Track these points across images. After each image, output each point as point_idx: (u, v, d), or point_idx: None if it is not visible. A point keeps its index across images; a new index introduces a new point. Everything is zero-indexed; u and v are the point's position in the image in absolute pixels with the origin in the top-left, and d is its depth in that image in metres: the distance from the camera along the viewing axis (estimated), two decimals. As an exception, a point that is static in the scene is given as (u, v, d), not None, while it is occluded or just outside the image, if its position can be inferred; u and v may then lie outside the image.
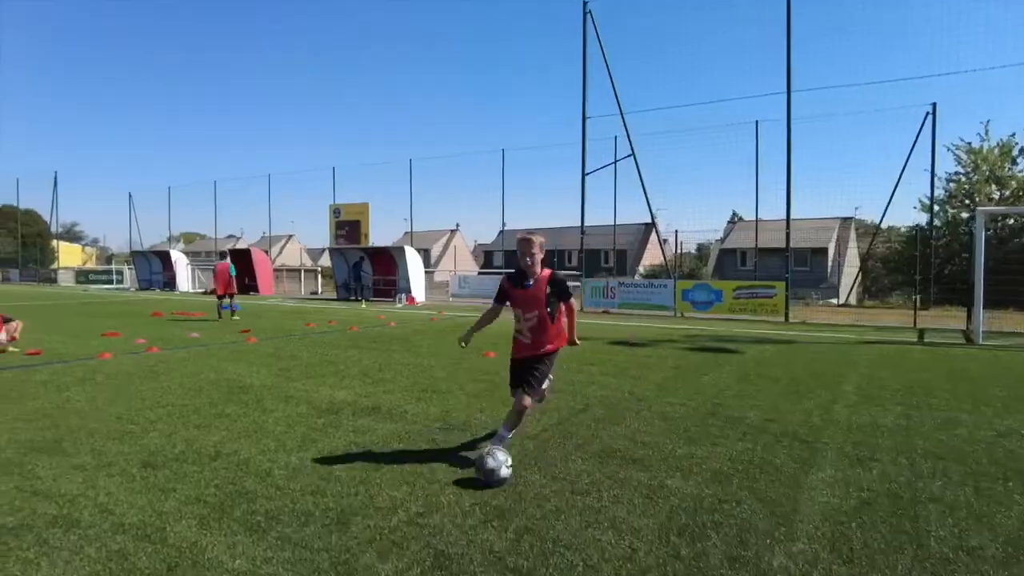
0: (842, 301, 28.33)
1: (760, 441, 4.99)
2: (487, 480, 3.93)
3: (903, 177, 21.63)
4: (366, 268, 26.19)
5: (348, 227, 30.18)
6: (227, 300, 15.83)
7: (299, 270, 36.90)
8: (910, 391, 7.03)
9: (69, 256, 57.87)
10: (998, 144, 29.06)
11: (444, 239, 59.96)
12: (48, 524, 3.36)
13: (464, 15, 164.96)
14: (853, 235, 41.54)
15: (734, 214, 47.27)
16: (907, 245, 28.26)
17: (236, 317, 15.67)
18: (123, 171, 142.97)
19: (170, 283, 33.21)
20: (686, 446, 4.83)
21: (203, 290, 32.03)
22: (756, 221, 24.81)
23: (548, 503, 3.68)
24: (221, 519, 3.41)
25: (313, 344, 11.02)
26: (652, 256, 43.51)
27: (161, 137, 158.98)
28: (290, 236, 63.28)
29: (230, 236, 61.89)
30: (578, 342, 4.79)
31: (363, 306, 21.93)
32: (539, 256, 4.41)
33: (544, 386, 4.67)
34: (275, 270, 34.34)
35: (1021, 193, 28.20)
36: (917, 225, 23.93)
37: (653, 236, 44.61)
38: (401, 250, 25.52)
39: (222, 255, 17.92)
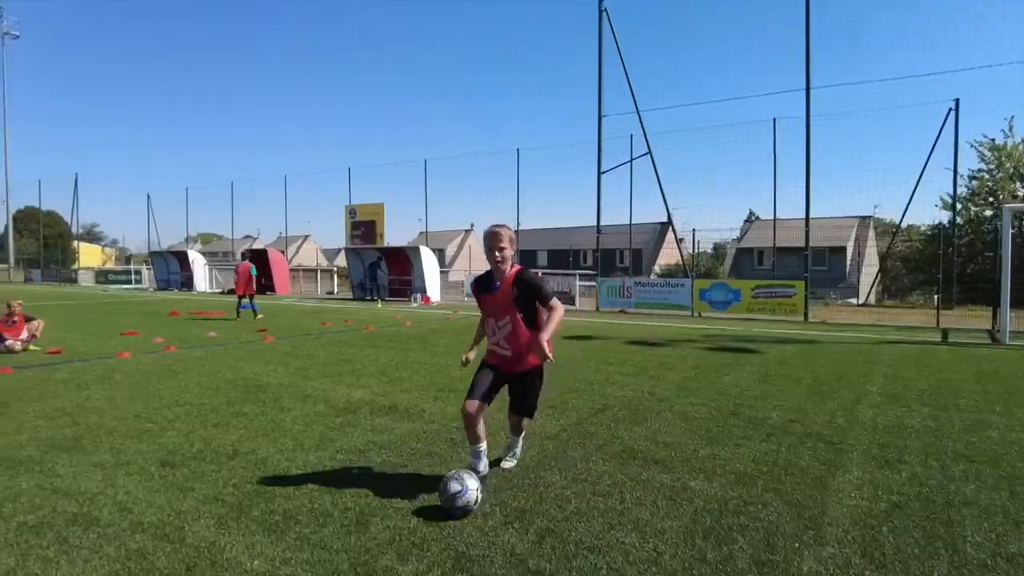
0: (862, 301, 27.95)
1: (784, 442, 4.89)
2: (447, 506, 3.42)
3: (924, 175, 21.28)
4: (383, 268, 26.25)
5: (364, 227, 30.27)
6: (246, 300, 15.94)
7: (315, 270, 37.10)
8: (937, 392, 6.88)
9: (89, 257, 58.62)
10: (1023, 140, 28.53)
11: (459, 239, 60.01)
12: (68, 522, 3.35)
13: (477, 15, 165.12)
14: (872, 234, 40.99)
15: (751, 213, 46.85)
16: (928, 243, 27.83)
17: (260, 315, 15.75)
18: (142, 172, 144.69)
19: (188, 283, 33.51)
20: (708, 447, 4.75)
21: (220, 290, 32.28)
22: (774, 220, 24.50)
23: (570, 504, 3.61)
24: (239, 519, 3.39)
25: (330, 343, 11.03)
26: (668, 256, 43.22)
27: (179, 138, 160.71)
28: (306, 236, 63.66)
29: (247, 236, 62.38)
30: (550, 356, 3.56)
31: (379, 306, 21.97)
32: (509, 252, 3.85)
33: (539, 406, 4.23)
34: (291, 270, 34.53)
35: (1046, 190, 27.68)
36: (939, 223, 23.54)
37: (669, 235, 44.31)
38: (416, 250, 25.55)
39: (243, 255, 18.03)
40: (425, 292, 24.22)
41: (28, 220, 59.47)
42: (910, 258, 31.49)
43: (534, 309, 3.88)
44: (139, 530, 3.25)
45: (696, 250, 21.36)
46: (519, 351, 3.86)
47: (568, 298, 20.64)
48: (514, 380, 3.98)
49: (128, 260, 58.84)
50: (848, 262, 39.72)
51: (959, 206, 25.21)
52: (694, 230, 20.23)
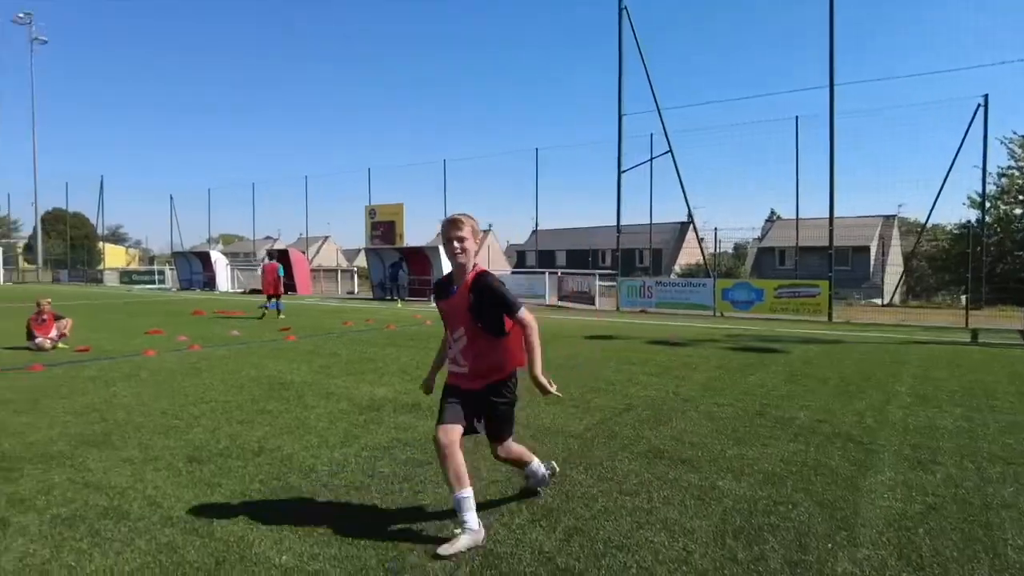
0: (886, 301, 27.52)
1: (812, 442, 4.81)
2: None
3: (951, 173, 20.89)
4: (404, 269, 26.36)
5: (383, 228, 30.42)
6: (271, 299, 16.12)
7: (335, 270, 37.36)
8: (969, 392, 6.73)
9: (114, 257, 59.52)
10: (1054, 137, 27.88)
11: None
12: (99, 516, 3.38)
13: (495, 15, 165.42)
14: (896, 233, 40.37)
15: (772, 212, 46.38)
16: (956, 243, 27.31)
17: (282, 316, 15.90)
18: (164, 174, 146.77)
19: (210, 283, 33.92)
20: (736, 447, 4.68)
21: (242, 290, 32.63)
22: (796, 219, 24.24)
23: (596, 503, 3.58)
24: (267, 514, 3.40)
25: (352, 342, 11.08)
26: (688, 255, 42.96)
27: (201, 140, 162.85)
28: (326, 237, 64.18)
29: (267, 237, 63.02)
30: (552, 389, 3.19)
31: (399, 305, 22.06)
32: (470, 245, 3.17)
33: (511, 429, 3.48)
34: (312, 271, 34.82)
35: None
36: (968, 222, 23.08)
37: (689, 235, 44.02)
38: (436, 250, 25.60)
39: (268, 256, 18.26)
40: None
41: (55, 221, 60.53)
42: (936, 257, 30.93)
43: (496, 321, 3.19)
44: (168, 524, 3.27)
45: (718, 250, 21.16)
46: (476, 370, 3.22)
47: (588, 298, 20.56)
48: (478, 400, 3.27)
49: (151, 261, 59.70)
50: (872, 262, 39.14)
51: (988, 204, 24.69)
52: (716, 229, 20.08)
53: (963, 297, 17.09)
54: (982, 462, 4.35)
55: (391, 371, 7.85)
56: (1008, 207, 28.51)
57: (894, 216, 40.19)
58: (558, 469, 3.84)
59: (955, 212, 51.13)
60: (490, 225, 58.77)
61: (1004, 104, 48.37)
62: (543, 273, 23.43)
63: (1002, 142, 28.39)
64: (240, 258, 51.43)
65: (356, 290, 32.85)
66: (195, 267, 35.49)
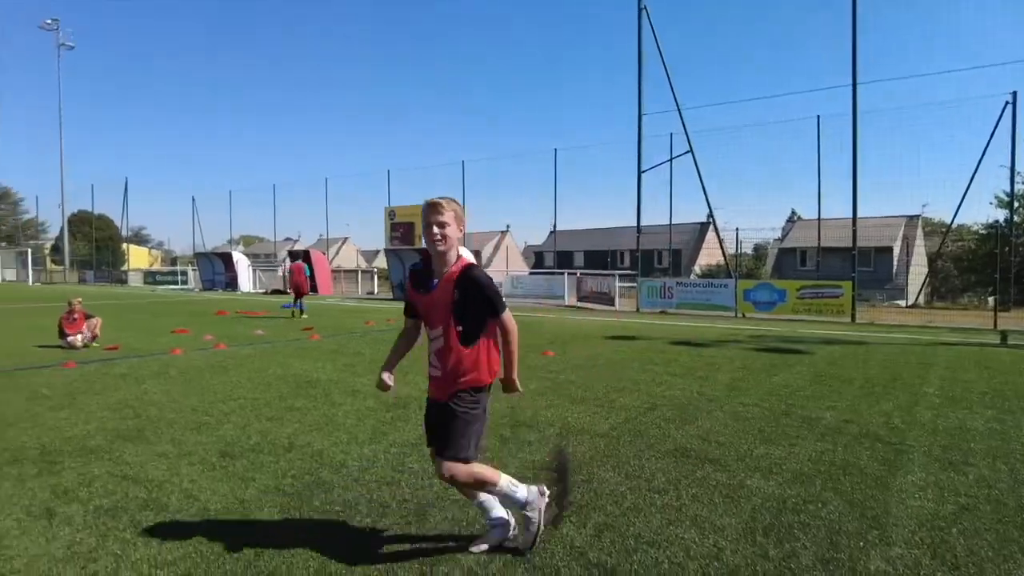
0: (911, 302, 27.14)
1: (839, 442, 4.79)
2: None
3: (977, 172, 20.55)
4: (422, 269, 26.49)
5: (403, 229, 30.60)
6: (297, 299, 16.39)
7: (356, 271, 37.64)
8: (1000, 394, 6.64)
9: (137, 258, 60.54)
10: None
11: (495, 240, 60.20)
12: (140, 507, 3.47)
13: (512, 14, 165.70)
14: (920, 233, 39.77)
15: (793, 212, 45.95)
16: (982, 243, 26.86)
17: (305, 315, 16.11)
18: (185, 176, 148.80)
19: (232, 283, 34.34)
20: (763, 446, 4.67)
21: (264, 290, 33.00)
22: (818, 219, 23.99)
23: (626, 500, 3.60)
24: (301, 508, 3.47)
25: (374, 341, 11.18)
26: (707, 256, 42.70)
27: (221, 142, 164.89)
28: (345, 239, 64.64)
29: (287, 239, 63.59)
30: (520, 389, 3.02)
31: (418, 306, 22.23)
32: (453, 232, 2.83)
33: (473, 444, 2.90)
34: (332, 271, 35.12)
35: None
36: (995, 222, 22.70)
37: (709, 235, 43.77)
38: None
39: (292, 256, 18.57)
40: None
41: (81, 223, 61.64)
42: (962, 258, 30.44)
43: (478, 322, 2.86)
44: (206, 516, 3.35)
45: (739, 250, 21.02)
46: (452, 375, 2.86)
47: (608, 299, 20.52)
48: (438, 407, 2.93)
49: (173, 261, 60.54)
50: (895, 263, 38.61)
51: (1016, 204, 24.25)
52: (737, 230, 19.86)
53: (991, 298, 16.79)
54: (1015, 464, 4.31)
55: (415, 369, 7.86)
56: (1037, 207, 27.95)
57: (918, 216, 39.58)
58: (536, 530, 3.03)
59: (981, 212, 50.21)
60: (507, 226, 58.91)
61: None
62: (562, 274, 23.43)
63: (1031, 140, 27.82)
64: (261, 259, 51.92)
65: (376, 290, 33.08)
66: (217, 268, 35.94)
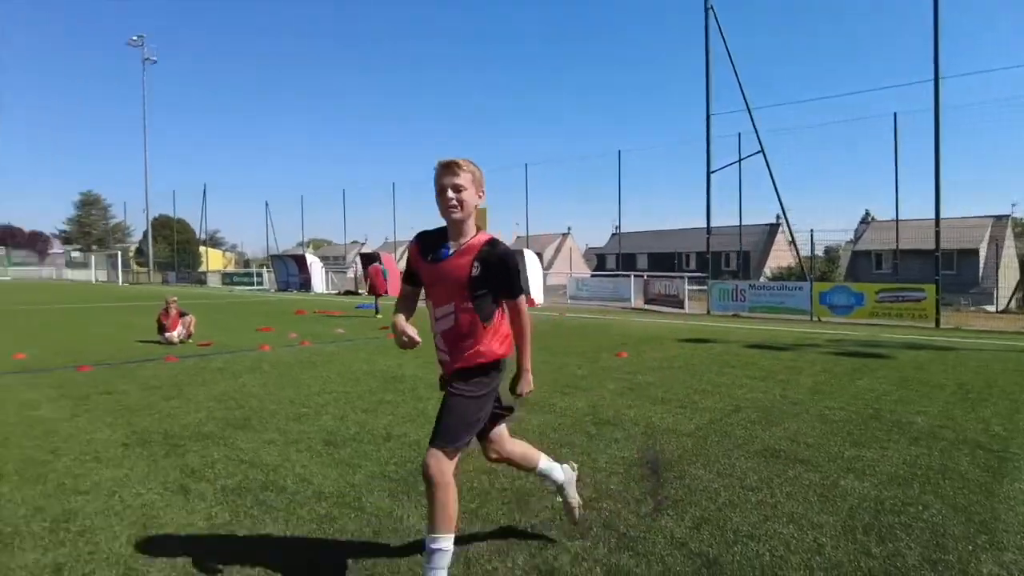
0: (1001, 307, 25.69)
1: (935, 447, 4.68)
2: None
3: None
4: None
5: (467, 231, 31.07)
6: (372, 299, 17.10)
7: (420, 273, 38.29)
8: (1107, 402, 6.30)
9: (213, 260, 63.46)
10: None
11: (556, 243, 60.26)
12: (261, 488, 3.76)
13: (577, 14, 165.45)
14: (1010, 234, 37.55)
15: (867, 214, 44.13)
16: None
17: (379, 315, 16.66)
18: (257, 180, 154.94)
19: (305, 284, 35.63)
20: (853, 448, 4.62)
21: (336, 291, 34.09)
22: (896, 221, 23.04)
23: (719, 496, 3.65)
24: (408, 492, 3.68)
25: (447, 341, 11.48)
26: (777, 258, 41.55)
27: (293, 148, 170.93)
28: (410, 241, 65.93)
29: (354, 242, 65.39)
30: (531, 385, 2.79)
31: (484, 307, 22.57)
32: (470, 197, 2.53)
33: (467, 434, 2.58)
34: (400, 273, 35.93)
35: None
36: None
37: (778, 238, 42.56)
38: (520, 252, 25.97)
39: (369, 259, 19.31)
40: (529, 294, 24.57)
41: (161, 227, 65.08)
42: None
43: (493, 303, 2.61)
44: (321, 498, 3.60)
45: (813, 252, 20.41)
46: (460, 356, 2.60)
47: (676, 301, 20.30)
48: (446, 388, 2.66)
49: (246, 263, 63.24)
50: (981, 266, 36.59)
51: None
52: (812, 231, 19.31)
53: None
54: None
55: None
56: None
57: (1007, 216, 37.46)
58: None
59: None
60: (569, 228, 58.87)
61: None
62: (628, 276, 23.29)
63: None
64: (330, 261, 53.58)
65: (441, 292, 33.64)
66: (291, 269, 37.35)
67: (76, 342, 11.28)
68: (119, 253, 55.06)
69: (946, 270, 30.86)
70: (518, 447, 2.99)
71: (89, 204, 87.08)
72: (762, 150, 19.75)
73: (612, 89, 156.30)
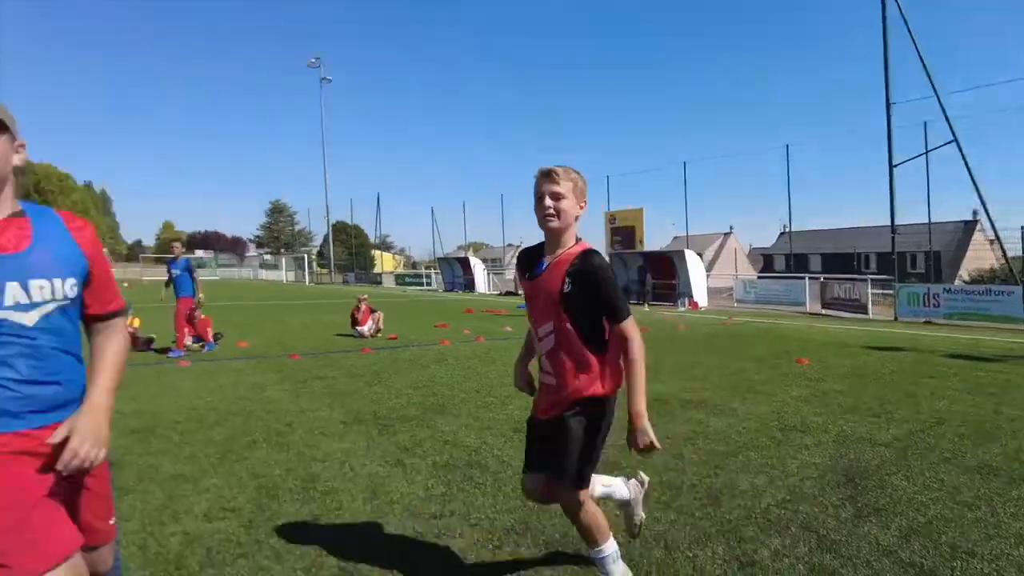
0: None
1: None
2: None
3: None
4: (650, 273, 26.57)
5: (623, 233, 30.92)
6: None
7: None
8: None
9: (385, 263, 68.51)
10: None
11: (717, 242, 57.85)
12: (467, 466, 4.18)
13: (745, 10, 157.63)
14: None
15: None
16: None
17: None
18: (422, 187, 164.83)
19: (469, 285, 37.44)
20: (1092, 473, 4.13)
21: (498, 292, 35.49)
22: None
23: (928, 510, 3.47)
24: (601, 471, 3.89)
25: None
26: (976, 259, 36.80)
27: (454, 157, 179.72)
28: (565, 243, 66.63)
29: (509, 244, 67.48)
30: (646, 422, 2.30)
31: (646, 308, 22.31)
32: (570, 206, 2.36)
33: (591, 468, 2.48)
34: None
35: None
36: None
37: (975, 236, 37.70)
38: (681, 254, 25.35)
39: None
40: (691, 296, 23.94)
41: (339, 232, 71.35)
42: None
43: (595, 324, 2.38)
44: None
45: (1025, 253, 17.88)
46: (564, 379, 2.39)
47: (858, 306, 18.76)
48: (547, 424, 2.47)
49: (413, 266, 67.51)
50: None
51: None
52: (1023, 228, 16.91)
53: None
54: None
55: (664, 368, 8.12)
56: None
57: None
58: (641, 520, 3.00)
59: None
60: (731, 227, 56.25)
61: None
62: (802, 278, 21.88)
63: None
64: (488, 263, 55.91)
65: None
66: (456, 271, 39.42)
67: (283, 334, 12.88)
68: (305, 256, 61.36)
69: None
70: None
71: (277, 212, 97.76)
72: (955, 139, 17.69)
73: (776, 79, 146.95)
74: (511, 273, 36.91)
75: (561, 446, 2.38)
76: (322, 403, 6.17)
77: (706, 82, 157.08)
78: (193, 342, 10.09)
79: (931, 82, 18.08)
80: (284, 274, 65.18)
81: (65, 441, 1.56)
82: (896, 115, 18.92)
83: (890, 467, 4.22)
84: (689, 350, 10.23)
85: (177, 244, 10.56)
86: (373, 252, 65.08)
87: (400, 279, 48.64)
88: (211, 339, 10.32)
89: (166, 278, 10.29)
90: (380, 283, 49.63)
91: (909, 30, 18.31)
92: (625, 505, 2.96)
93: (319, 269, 68.48)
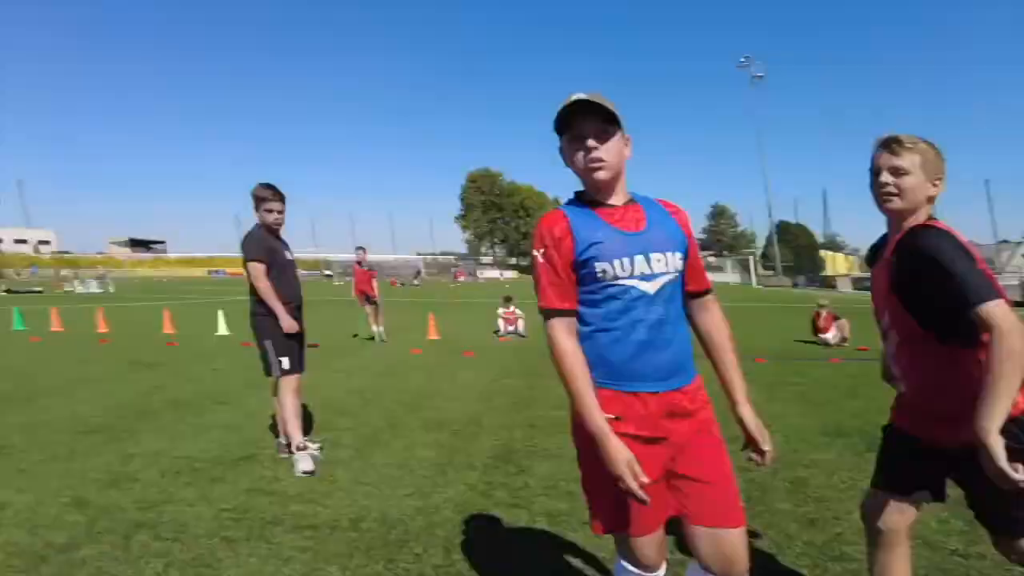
0: None
1: None
2: None
3: None
4: None
5: None
6: None
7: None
8: None
9: (836, 264, 62.65)
10: None
11: None
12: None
13: None
14: None
15: None
16: None
17: None
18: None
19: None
20: None
21: None
22: None
23: None
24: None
25: None
26: None
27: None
28: None
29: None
30: (998, 449, 1.58)
31: None
32: (916, 187, 1.91)
33: None
34: None
35: None
36: None
37: None
38: None
39: None
40: None
41: (782, 232, 68.33)
42: None
43: (944, 314, 1.82)
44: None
45: None
46: (923, 394, 1.98)
47: None
48: (957, 459, 1.89)
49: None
50: None
51: None
52: None
53: None
54: None
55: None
56: None
57: None
58: None
59: None
60: None
61: None
62: None
63: None
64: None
65: None
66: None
67: (745, 336, 13.10)
68: (750, 258, 60.59)
69: None
70: None
71: (719, 214, 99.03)
72: None
73: None
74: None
75: (987, 493, 1.81)
76: (794, 409, 6.15)
77: None
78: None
79: None
80: (728, 276, 65.81)
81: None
82: None
83: None
84: None
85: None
86: (820, 252, 60.44)
87: (860, 283, 43.86)
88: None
89: None
90: (835, 287, 45.66)
91: None
92: None
93: (763, 271, 66.99)
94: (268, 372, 4.50)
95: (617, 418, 1.71)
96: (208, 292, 36.70)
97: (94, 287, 39.05)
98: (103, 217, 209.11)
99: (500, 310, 13.74)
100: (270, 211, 4.46)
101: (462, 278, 72.87)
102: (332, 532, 3.41)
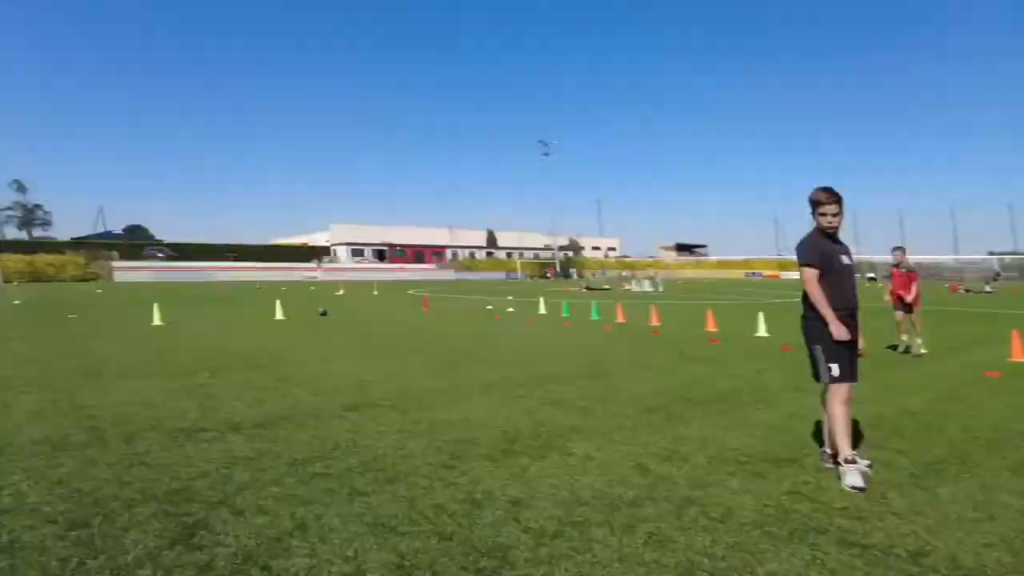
0: None
1: None
2: None
3: None
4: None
5: None
6: None
7: None
8: None
9: None
10: None
11: None
12: None
13: None
14: None
15: None
16: None
17: None
18: None
19: None
20: None
21: None
22: None
23: None
24: None
25: None
26: None
27: None
28: None
29: None
30: None
31: None
32: None
33: None
34: None
35: None
36: None
37: None
38: None
39: None
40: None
41: None
42: None
43: None
44: None
45: None
46: None
47: None
48: None
49: None
50: None
51: None
52: None
53: None
54: None
55: None
56: None
57: None
58: None
59: None
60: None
61: None
62: None
63: None
64: None
65: None
66: None
67: None
68: None
69: None
70: None
71: None
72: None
73: None
74: None
75: None
76: None
77: None
78: None
79: None
80: None
81: None
82: None
83: None
84: None
85: None
86: None
87: None
88: None
89: None
90: None
91: None
92: None
93: None
94: (817, 378, 4.40)
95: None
96: (746, 293, 38.04)
97: (646, 286, 44.74)
98: (655, 225, 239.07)
99: None
100: (824, 215, 4.36)
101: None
102: (885, 557, 3.07)
